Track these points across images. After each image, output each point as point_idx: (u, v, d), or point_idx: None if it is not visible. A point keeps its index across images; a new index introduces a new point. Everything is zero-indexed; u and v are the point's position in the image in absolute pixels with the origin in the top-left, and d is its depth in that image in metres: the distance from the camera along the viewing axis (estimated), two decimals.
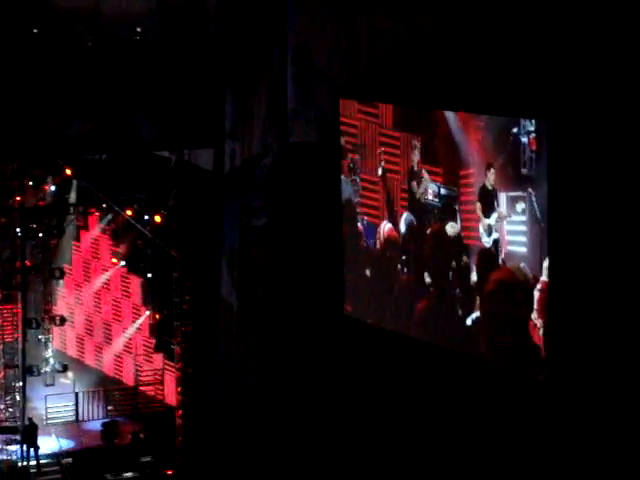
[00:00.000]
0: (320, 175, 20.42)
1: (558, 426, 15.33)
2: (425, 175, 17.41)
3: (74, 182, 25.44)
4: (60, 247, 28.29)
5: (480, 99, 16.15)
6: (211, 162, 23.41)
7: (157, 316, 25.96)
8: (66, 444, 24.38)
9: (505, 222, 15.71)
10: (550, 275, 14.87)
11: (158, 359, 26.26)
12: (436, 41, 17.36)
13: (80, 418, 25.82)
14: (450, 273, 16.91)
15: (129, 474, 23.67)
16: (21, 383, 24.03)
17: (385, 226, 18.51)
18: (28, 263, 25.07)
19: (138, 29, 22.44)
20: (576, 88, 14.85)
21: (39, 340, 27.60)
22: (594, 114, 14.64)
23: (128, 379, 27.17)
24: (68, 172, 24.89)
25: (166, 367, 25.90)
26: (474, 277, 16.39)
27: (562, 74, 15.00)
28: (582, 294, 14.77)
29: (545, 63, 15.27)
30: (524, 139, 15.12)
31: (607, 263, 14.58)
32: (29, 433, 23.43)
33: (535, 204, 15.01)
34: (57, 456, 23.64)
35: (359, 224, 19.08)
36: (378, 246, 18.72)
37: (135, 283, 27.05)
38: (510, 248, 15.64)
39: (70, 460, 23.53)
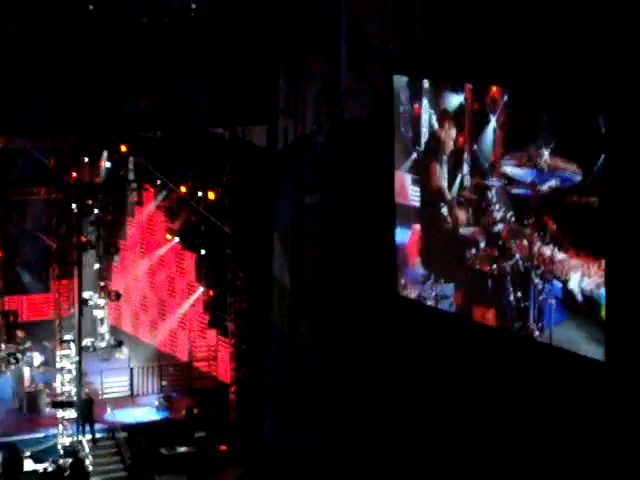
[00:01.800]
0: (373, 152, 20.31)
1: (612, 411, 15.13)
2: None
3: (130, 159, 25.54)
4: (115, 223, 28.55)
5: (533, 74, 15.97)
6: (265, 139, 23.43)
7: (211, 292, 26.05)
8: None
9: None
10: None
11: (212, 335, 26.40)
12: (490, 17, 17.16)
13: (135, 393, 26.04)
14: None
15: (183, 449, 23.85)
16: (77, 358, 24.26)
17: None
18: (84, 239, 25.26)
19: (193, 5, 22.47)
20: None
21: (95, 316, 27.87)
22: None
23: (182, 355, 27.36)
24: (123, 149, 25.01)
25: (220, 343, 26.02)
26: None
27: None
28: None
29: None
30: None
31: None
32: (85, 407, 23.68)
33: None
34: (112, 430, 23.86)
35: None
36: None
37: (189, 259, 27.18)
38: None
39: (125, 434, 23.74)
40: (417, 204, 18.96)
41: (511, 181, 16.59)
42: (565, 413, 15.96)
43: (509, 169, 16.57)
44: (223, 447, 24.13)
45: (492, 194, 16.99)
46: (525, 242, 16.28)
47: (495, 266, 16.97)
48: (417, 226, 18.99)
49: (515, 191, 16.51)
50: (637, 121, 14.38)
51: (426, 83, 18.36)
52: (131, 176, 25.97)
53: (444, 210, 18.17)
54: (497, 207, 16.90)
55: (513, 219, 16.57)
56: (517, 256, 16.50)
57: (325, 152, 21.62)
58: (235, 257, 24.42)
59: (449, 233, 18.10)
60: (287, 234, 22.63)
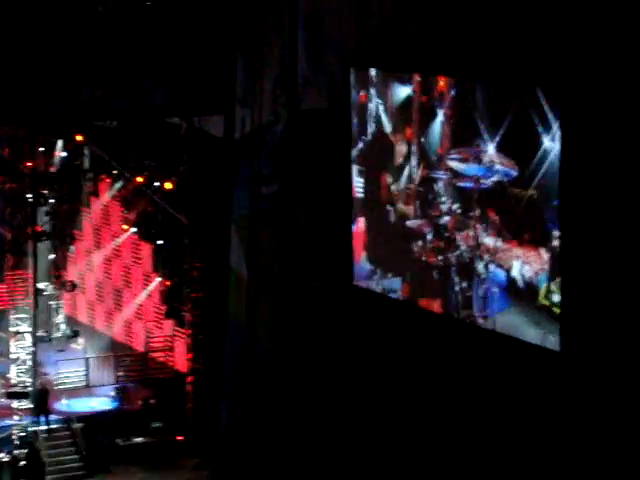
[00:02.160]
0: (330, 142, 20.33)
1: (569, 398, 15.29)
2: None
3: (85, 149, 25.38)
4: (71, 213, 28.36)
5: (490, 64, 16.06)
6: (221, 129, 23.37)
7: (167, 283, 26.00)
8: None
9: None
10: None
11: (168, 325, 26.34)
12: (446, 7, 17.24)
13: (91, 384, 25.93)
14: None
15: (139, 439, 23.81)
16: (33, 349, 24.10)
17: None
18: (39, 229, 25.08)
19: None
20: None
21: (50, 306, 27.70)
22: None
23: (138, 345, 27.28)
24: (79, 138, 24.85)
25: (176, 333, 25.98)
26: None
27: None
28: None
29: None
30: None
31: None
32: (40, 398, 23.56)
33: None
34: (68, 421, 23.76)
35: None
36: None
37: (146, 250, 27.08)
38: None
39: (81, 425, 23.66)
40: (361, 196, 19.04)
41: (457, 174, 16.80)
42: (512, 398, 16.13)
43: (454, 164, 16.81)
44: (180, 437, 24.12)
45: (439, 186, 17.17)
46: (470, 233, 16.49)
47: (441, 257, 17.17)
48: (361, 219, 19.06)
49: (460, 184, 16.73)
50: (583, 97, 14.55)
51: (373, 71, 18.38)
52: (86, 165, 25.73)
53: (389, 204, 18.26)
54: (443, 199, 17.07)
55: (459, 211, 16.77)
56: (462, 247, 16.72)
57: (282, 142, 21.61)
58: (192, 248, 24.38)
59: (394, 226, 18.22)
60: (244, 225, 22.61)
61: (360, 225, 19.13)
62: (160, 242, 26.06)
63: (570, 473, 15.22)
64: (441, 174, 17.10)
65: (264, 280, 22.18)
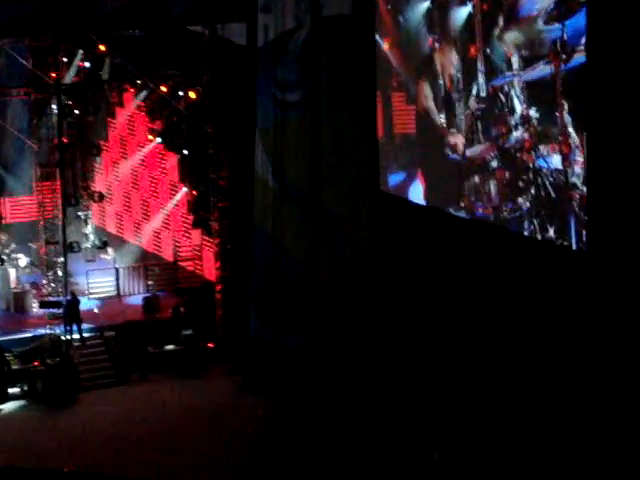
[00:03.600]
0: (355, 49, 20.12)
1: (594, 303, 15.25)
2: None
3: (107, 59, 25.22)
4: (96, 124, 28.36)
5: None
6: (244, 37, 23.17)
7: (194, 192, 26.08)
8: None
9: None
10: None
11: (196, 235, 26.50)
12: None
13: (121, 293, 26.24)
14: None
15: (170, 347, 24.16)
16: (62, 259, 24.36)
17: None
18: (65, 140, 25.11)
19: None
20: None
21: (79, 217, 27.90)
22: None
23: (167, 255, 27.50)
24: (102, 48, 24.70)
25: (204, 242, 26.15)
26: None
27: None
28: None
29: None
30: None
31: None
32: (72, 307, 23.87)
33: None
34: (100, 329, 24.11)
35: None
36: None
37: (172, 160, 27.11)
38: None
39: (113, 333, 24.00)
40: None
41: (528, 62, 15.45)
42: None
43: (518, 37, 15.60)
44: (210, 344, 24.44)
45: (510, 93, 15.96)
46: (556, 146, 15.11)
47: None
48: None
49: (535, 75, 15.28)
50: None
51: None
52: (105, 76, 25.57)
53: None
54: (516, 106, 15.80)
55: (536, 115, 15.49)
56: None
57: (305, 49, 21.40)
58: (217, 157, 24.38)
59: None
60: (269, 133, 22.54)
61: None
62: (186, 152, 26.07)
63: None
64: (509, 75, 15.88)
65: (290, 188, 22.19)
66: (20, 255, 26.69)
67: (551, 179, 15.40)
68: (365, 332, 20.19)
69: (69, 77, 25.42)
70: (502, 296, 16.96)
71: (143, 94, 26.64)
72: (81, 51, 25.40)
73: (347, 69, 20.27)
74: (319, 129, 21.19)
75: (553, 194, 15.45)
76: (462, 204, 17.59)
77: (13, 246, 27.00)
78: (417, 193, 18.88)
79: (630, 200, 14.35)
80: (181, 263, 26.98)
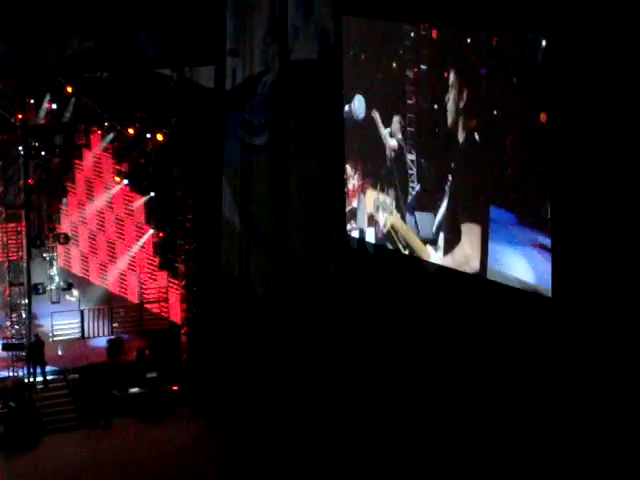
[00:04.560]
0: (322, 92, 20.29)
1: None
2: None
3: (71, 100, 25.23)
4: (63, 165, 28.30)
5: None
6: (212, 80, 23.28)
7: (160, 234, 26.04)
8: None
9: None
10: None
11: (162, 277, 26.42)
12: None
13: (86, 335, 26.06)
14: None
15: (135, 390, 23.98)
16: (27, 301, 24.19)
17: None
18: (31, 182, 25.03)
19: None
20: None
21: (44, 258, 27.75)
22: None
23: (133, 297, 27.37)
24: (69, 90, 24.73)
25: (170, 285, 26.07)
26: None
27: None
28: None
29: None
30: None
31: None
32: (35, 350, 23.68)
33: None
34: (64, 373, 23.91)
35: None
36: None
37: (138, 201, 27.06)
38: None
39: (77, 376, 23.80)
40: None
41: None
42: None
43: None
44: (175, 387, 24.29)
45: None
46: None
47: None
48: None
49: None
50: None
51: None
52: (68, 116, 25.56)
53: None
54: None
55: None
56: None
57: (273, 92, 21.55)
58: (184, 199, 24.40)
59: None
60: (236, 176, 22.60)
61: None
62: (152, 194, 26.07)
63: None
64: None
65: (257, 230, 22.22)
66: None
67: None
68: (331, 375, 20.16)
69: (38, 119, 25.41)
70: (466, 340, 17.04)
71: (110, 136, 26.66)
72: (49, 94, 25.40)
73: (315, 113, 20.41)
74: (286, 173, 21.29)
75: None
76: None
77: None
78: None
79: (595, 246, 14.53)
80: (147, 305, 26.86)
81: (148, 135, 25.06)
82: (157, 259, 26.27)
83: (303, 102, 20.71)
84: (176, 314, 25.46)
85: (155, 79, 24.13)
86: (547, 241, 15.21)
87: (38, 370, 23.57)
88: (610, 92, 14.28)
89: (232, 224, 22.82)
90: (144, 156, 25.78)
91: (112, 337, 25.64)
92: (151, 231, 26.62)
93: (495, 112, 16.02)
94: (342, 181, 19.74)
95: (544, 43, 14.95)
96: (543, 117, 15.01)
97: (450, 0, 16.71)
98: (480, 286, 16.68)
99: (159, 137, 24.68)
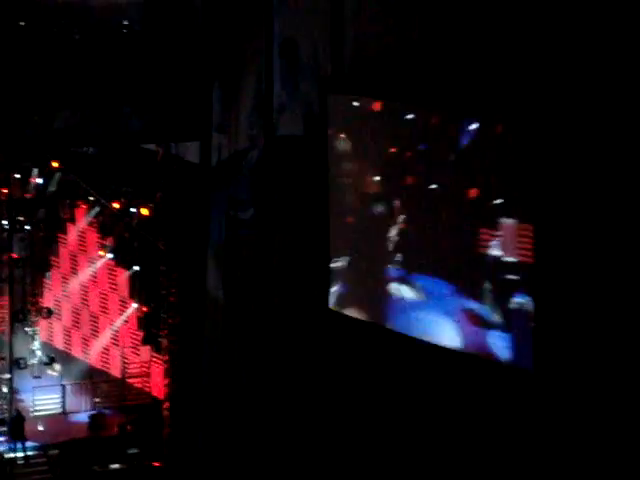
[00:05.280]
0: (307, 168, 20.48)
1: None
2: None
3: (56, 174, 25.39)
4: (47, 239, 28.34)
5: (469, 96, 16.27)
6: (198, 155, 23.47)
7: (144, 309, 26.01)
8: None
9: None
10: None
11: (145, 351, 26.32)
12: (424, 38, 17.45)
13: (67, 410, 25.86)
14: None
15: (116, 466, 23.75)
16: (8, 375, 24.03)
17: None
18: (15, 256, 25.04)
19: (125, 22, 22.45)
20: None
21: (26, 332, 27.63)
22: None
23: (115, 371, 27.23)
24: (55, 165, 24.88)
25: (153, 359, 25.96)
26: None
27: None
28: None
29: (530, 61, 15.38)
30: None
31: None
32: (16, 425, 23.48)
33: None
34: (44, 448, 23.67)
35: None
36: None
37: (122, 276, 27.08)
38: None
39: (57, 452, 23.58)
40: None
41: None
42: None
43: None
44: (157, 464, 24.06)
45: None
46: None
47: None
48: None
49: None
50: None
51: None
52: (52, 189, 25.71)
53: None
54: None
55: None
56: None
57: (258, 168, 21.74)
58: (168, 273, 24.41)
59: None
60: (221, 250, 22.68)
61: None
62: (137, 268, 26.09)
63: None
64: None
65: (241, 305, 22.23)
66: None
67: None
68: (322, 450, 20.09)
69: (30, 193, 25.58)
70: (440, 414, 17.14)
71: (95, 210, 26.76)
72: (36, 168, 25.56)
73: (299, 189, 20.58)
74: (271, 248, 21.38)
75: None
76: None
77: None
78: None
79: (576, 319, 14.64)
80: (129, 380, 26.71)
81: (133, 209, 25.17)
82: (140, 333, 26.19)
83: (288, 178, 20.89)
84: (159, 389, 25.30)
85: (141, 154, 24.32)
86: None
87: (19, 445, 23.34)
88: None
89: (216, 298, 22.82)
90: (129, 230, 25.86)
91: (94, 412, 25.46)
92: (135, 305, 26.58)
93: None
94: (327, 257, 19.81)
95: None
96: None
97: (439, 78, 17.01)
98: None
99: (144, 211, 24.79)
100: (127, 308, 26.90)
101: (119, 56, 22.09)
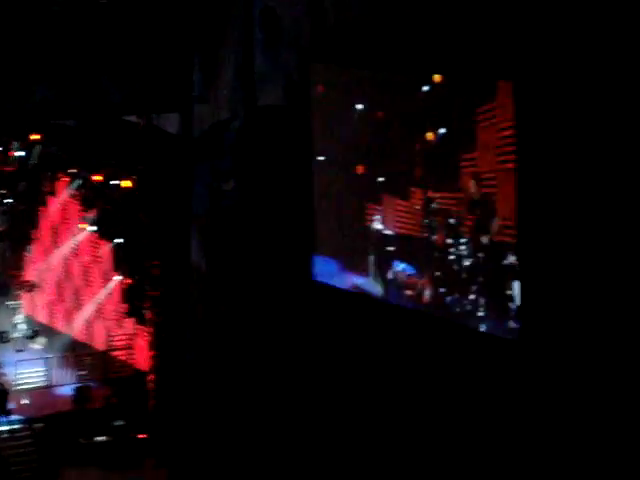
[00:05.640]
0: (289, 138, 20.39)
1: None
2: None
3: (37, 146, 25.25)
4: (28, 213, 28.24)
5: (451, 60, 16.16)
6: (179, 126, 23.37)
7: (128, 281, 25.96)
8: None
9: None
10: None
11: (129, 324, 26.30)
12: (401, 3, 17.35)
13: (51, 383, 25.84)
14: None
15: (102, 438, 23.77)
16: None
17: None
18: None
19: None
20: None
21: (8, 306, 27.57)
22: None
23: (99, 344, 27.20)
24: (35, 137, 24.72)
25: (137, 332, 25.94)
26: None
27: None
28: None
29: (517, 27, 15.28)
30: None
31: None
32: (0, 399, 23.44)
33: None
34: (29, 421, 23.66)
35: None
36: None
37: (105, 248, 27.00)
38: None
39: (42, 425, 23.57)
40: None
41: None
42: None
43: None
44: (142, 436, 24.09)
45: None
46: None
47: None
48: None
49: None
50: None
51: None
52: (33, 161, 25.57)
53: None
54: None
55: None
56: None
57: (240, 138, 21.65)
58: (151, 246, 24.36)
59: None
60: (204, 221, 22.62)
61: None
62: (119, 240, 26.01)
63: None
64: None
65: (224, 277, 22.20)
66: None
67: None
68: (308, 425, 20.12)
69: (9, 165, 25.41)
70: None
71: (77, 183, 26.64)
72: (16, 142, 25.41)
73: (282, 159, 20.51)
74: (253, 219, 21.32)
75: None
76: None
77: None
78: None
79: (561, 288, 14.64)
80: (113, 353, 26.69)
81: (115, 182, 25.07)
82: (124, 306, 26.15)
83: (270, 147, 20.81)
84: (143, 361, 25.31)
85: (122, 126, 24.18)
86: None
87: (3, 419, 23.31)
88: None
89: (200, 270, 22.78)
90: (111, 203, 25.76)
91: (78, 385, 25.45)
92: (118, 278, 26.52)
93: None
94: (311, 227, 19.78)
95: None
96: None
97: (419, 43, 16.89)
98: None
99: (126, 183, 24.68)
100: (110, 281, 26.83)
101: (98, 28, 21.91)
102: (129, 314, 25.93)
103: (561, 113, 14.41)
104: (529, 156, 14.73)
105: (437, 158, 16.39)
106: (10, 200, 26.51)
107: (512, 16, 15.06)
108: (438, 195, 16.46)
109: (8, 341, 26.61)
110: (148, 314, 24.71)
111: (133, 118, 24.00)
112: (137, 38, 22.15)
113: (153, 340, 24.56)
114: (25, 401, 24.50)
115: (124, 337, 26.61)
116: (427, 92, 16.35)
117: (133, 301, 25.48)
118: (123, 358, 26.50)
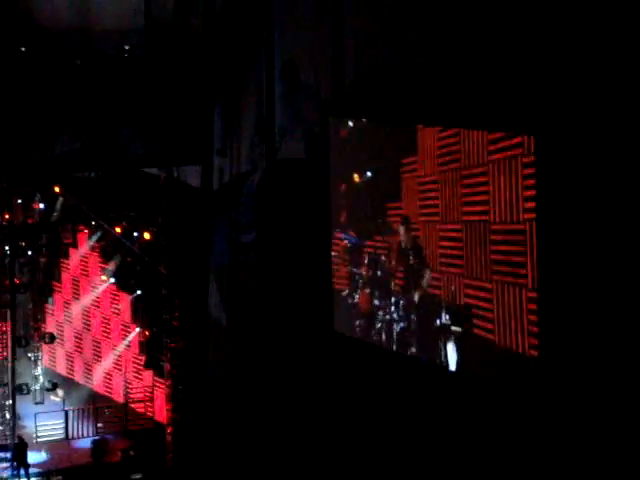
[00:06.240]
0: (308, 191, 20.46)
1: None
2: None
3: (59, 200, 25.43)
4: (49, 265, 28.32)
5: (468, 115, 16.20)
6: (200, 179, 23.50)
7: (147, 333, 25.95)
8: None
9: None
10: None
11: (148, 376, 26.23)
12: (422, 58, 17.44)
13: (70, 436, 25.75)
14: None
15: None
16: (11, 401, 23.94)
17: None
18: (17, 281, 25.02)
19: (126, 47, 22.52)
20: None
21: (29, 358, 27.56)
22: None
23: (118, 396, 27.13)
24: (57, 190, 24.89)
25: (156, 384, 25.86)
26: None
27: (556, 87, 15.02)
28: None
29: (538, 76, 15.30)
30: None
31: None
32: (19, 451, 23.36)
33: None
34: (47, 474, 23.55)
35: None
36: None
37: (124, 300, 27.03)
38: None
39: (60, 478, 23.46)
40: None
41: None
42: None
43: None
44: None
45: None
46: None
47: None
48: None
49: None
50: None
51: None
52: (56, 215, 25.74)
53: None
54: None
55: None
56: None
57: (260, 191, 21.73)
58: (170, 297, 24.37)
59: None
60: (223, 273, 22.65)
61: None
62: (139, 292, 26.05)
63: None
64: None
65: (244, 329, 22.17)
66: None
67: None
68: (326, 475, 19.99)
69: (33, 219, 25.61)
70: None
71: (97, 235, 26.75)
72: (39, 194, 25.60)
73: (301, 212, 20.56)
74: (273, 271, 21.33)
75: None
76: None
77: None
78: None
79: None
80: (132, 405, 26.62)
81: (135, 234, 25.16)
82: (143, 358, 26.11)
83: (290, 201, 20.87)
84: (161, 414, 25.21)
85: (143, 178, 24.34)
86: None
87: (22, 472, 23.22)
88: None
89: (219, 322, 22.77)
90: (131, 254, 25.84)
91: (96, 437, 25.35)
92: (137, 329, 26.52)
93: None
94: (330, 280, 19.75)
95: None
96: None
97: (439, 98, 16.95)
98: None
99: (146, 235, 24.77)
100: (129, 332, 26.83)
101: (120, 81, 22.15)
102: (147, 366, 25.88)
103: (580, 168, 14.41)
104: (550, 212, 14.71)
105: None
106: (31, 252, 26.60)
107: (536, 73, 15.13)
108: None
109: (28, 393, 26.56)
110: (167, 366, 24.66)
111: (154, 170, 24.17)
112: (159, 91, 22.37)
113: (171, 392, 24.47)
114: (43, 454, 24.40)
115: (143, 389, 26.54)
116: None
117: (152, 353, 25.45)
118: (142, 410, 26.40)
